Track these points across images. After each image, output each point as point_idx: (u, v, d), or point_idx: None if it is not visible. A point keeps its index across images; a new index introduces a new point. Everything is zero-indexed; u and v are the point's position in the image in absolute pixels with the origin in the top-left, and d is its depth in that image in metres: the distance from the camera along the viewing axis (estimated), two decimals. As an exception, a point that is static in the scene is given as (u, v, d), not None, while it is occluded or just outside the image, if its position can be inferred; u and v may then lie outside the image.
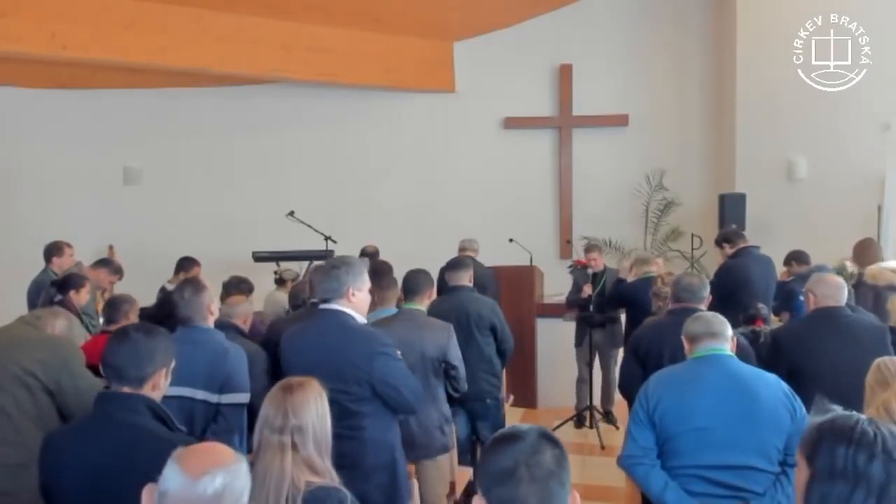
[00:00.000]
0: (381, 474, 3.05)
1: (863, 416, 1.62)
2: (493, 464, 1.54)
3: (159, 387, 2.38)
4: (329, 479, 2.17)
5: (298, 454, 2.13)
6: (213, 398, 3.21)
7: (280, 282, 6.81)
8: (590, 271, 6.84)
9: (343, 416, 2.87)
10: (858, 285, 5.31)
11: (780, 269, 6.17)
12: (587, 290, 6.76)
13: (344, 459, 2.68)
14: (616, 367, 6.94)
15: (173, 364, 2.45)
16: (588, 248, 7.11)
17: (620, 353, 6.89)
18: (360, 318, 3.18)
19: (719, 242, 6.21)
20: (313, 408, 2.22)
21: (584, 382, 7.08)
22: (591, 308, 6.73)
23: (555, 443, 1.58)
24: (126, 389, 2.30)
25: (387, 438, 3.12)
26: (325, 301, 3.15)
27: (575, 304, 7.03)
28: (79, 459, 2.20)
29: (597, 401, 6.98)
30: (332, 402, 2.84)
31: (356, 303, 3.15)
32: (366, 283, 3.20)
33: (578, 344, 7.07)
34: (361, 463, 2.98)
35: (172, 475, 1.65)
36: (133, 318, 4.40)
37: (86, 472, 2.17)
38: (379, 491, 3.02)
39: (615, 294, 6.34)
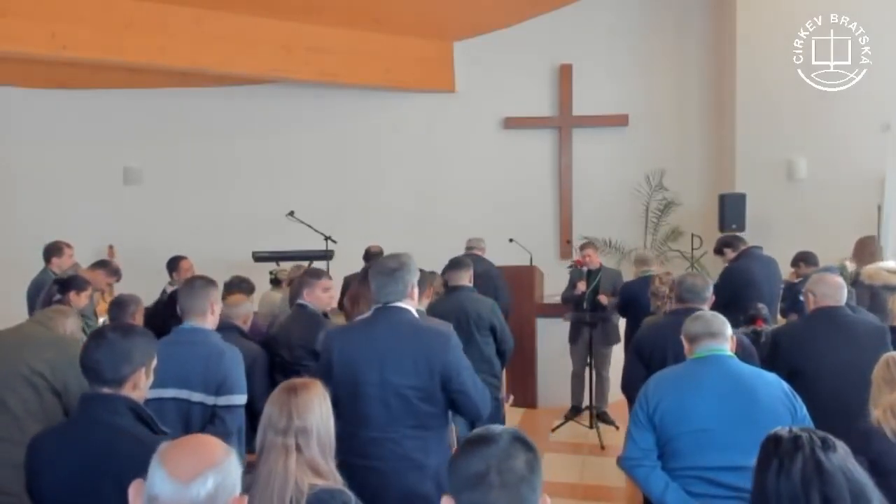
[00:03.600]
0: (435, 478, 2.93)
1: None
2: (465, 467, 1.52)
3: (140, 387, 2.35)
4: (333, 480, 2.14)
5: (302, 456, 2.11)
6: (210, 400, 3.17)
7: (275, 282, 6.81)
8: (584, 269, 6.87)
9: (412, 415, 2.92)
10: (855, 285, 5.31)
11: (787, 271, 6.17)
12: (581, 286, 6.81)
13: (407, 461, 2.81)
14: (609, 365, 6.97)
15: (154, 363, 2.43)
16: (582, 246, 7.16)
17: (613, 351, 6.94)
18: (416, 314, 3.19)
19: (719, 249, 6.21)
20: (317, 409, 2.19)
21: (577, 377, 7.15)
22: (585, 305, 6.78)
23: (528, 446, 1.55)
24: (106, 390, 2.28)
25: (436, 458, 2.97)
26: (388, 303, 3.08)
27: (570, 301, 7.08)
28: (60, 460, 2.19)
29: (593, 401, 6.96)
30: (403, 399, 2.91)
31: (413, 300, 3.16)
32: (417, 275, 3.19)
33: (573, 341, 7.13)
34: (425, 463, 2.92)
35: (161, 480, 1.59)
36: (139, 318, 4.40)
37: (66, 473, 2.16)
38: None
39: (619, 299, 6.42)
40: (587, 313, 6.77)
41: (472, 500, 1.50)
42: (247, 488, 2.18)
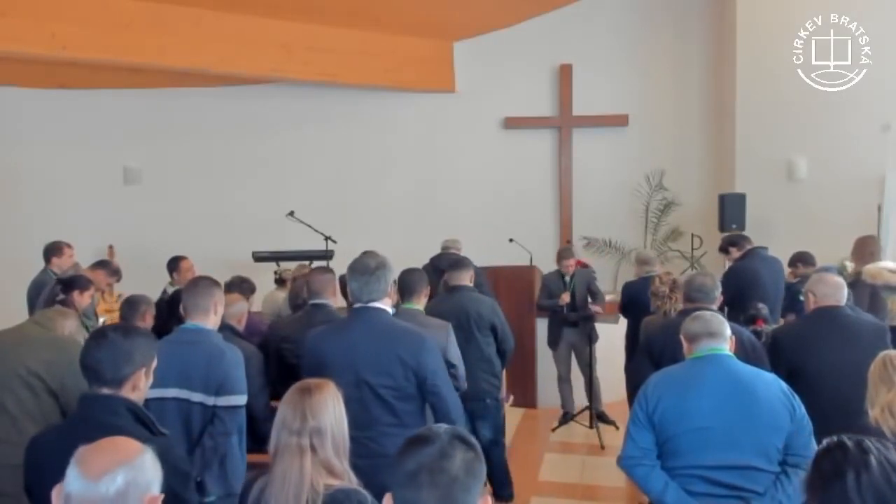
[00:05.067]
0: None
1: None
2: (402, 465, 1.55)
3: (139, 387, 2.35)
4: (347, 481, 2.14)
5: (317, 456, 2.11)
6: (210, 400, 3.17)
7: (280, 282, 6.80)
8: (567, 278, 6.87)
9: (390, 413, 3.03)
10: (855, 284, 5.29)
11: (786, 271, 6.16)
12: (565, 298, 6.79)
13: (384, 458, 2.83)
14: (596, 364, 6.95)
15: (154, 364, 2.43)
16: (563, 256, 7.00)
17: (595, 349, 6.91)
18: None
19: (724, 248, 6.19)
20: (331, 409, 2.18)
21: (565, 382, 7.11)
22: (565, 310, 6.81)
23: (468, 446, 1.56)
24: (105, 391, 2.28)
25: None
26: (370, 302, 3.16)
27: (546, 309, 7.05)
28: (59, 461, 2.18)
29: (587, 402, 6.94)
30: (380, 399, 3.02)
31: (390, 299, 3.25)
32: (394, 274, 3.30)
33: (553, 345, 7.05)
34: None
35: (73, 478, 1.62)
36: (149, 318, 4.41)
37: (64, 474, 2.16)
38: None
39: (620, 299, 6.43)
40: (569, 314, 6.79)
41: (404, 497, 1.53)
42: (261, 489, 2.17)
